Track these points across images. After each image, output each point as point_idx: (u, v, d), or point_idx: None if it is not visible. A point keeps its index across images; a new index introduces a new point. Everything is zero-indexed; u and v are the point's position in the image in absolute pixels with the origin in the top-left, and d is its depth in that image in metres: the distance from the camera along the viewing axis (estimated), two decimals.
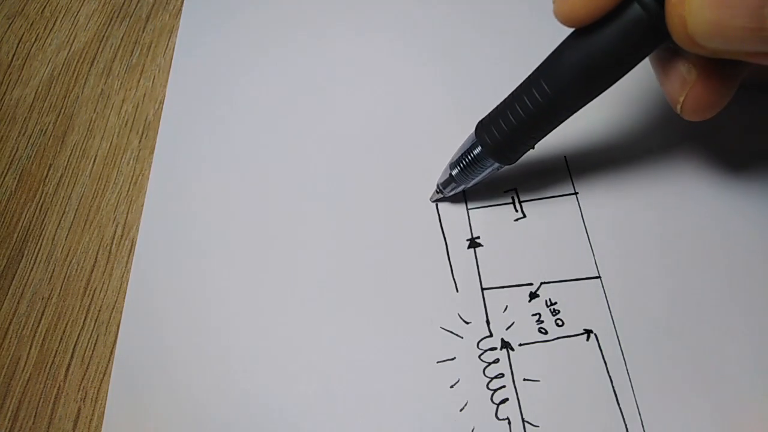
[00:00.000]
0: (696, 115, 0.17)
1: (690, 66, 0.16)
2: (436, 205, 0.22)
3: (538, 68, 0.17)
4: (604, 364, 0.18)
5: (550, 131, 0.18)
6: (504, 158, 0.19)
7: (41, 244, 0.23)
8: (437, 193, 0.21)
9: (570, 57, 0.16)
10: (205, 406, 0.19)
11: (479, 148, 0.19)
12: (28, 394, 0.20)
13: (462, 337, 0.19)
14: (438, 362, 0.19)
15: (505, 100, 0.18)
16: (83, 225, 0.23)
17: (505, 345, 0.19)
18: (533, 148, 0.19)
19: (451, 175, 0.20)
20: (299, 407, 0.19)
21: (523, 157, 0.19)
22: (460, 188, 0.21)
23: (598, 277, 0.20)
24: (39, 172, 0.25)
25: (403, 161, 0.23)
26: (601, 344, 0.19)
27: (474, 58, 0.25)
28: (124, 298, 0.21)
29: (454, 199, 0.22)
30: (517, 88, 0.18)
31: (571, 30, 0.16)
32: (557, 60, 0.16)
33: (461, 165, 0.20)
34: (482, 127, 0.19)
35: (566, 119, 0.17)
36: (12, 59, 0.29)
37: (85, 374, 0.20)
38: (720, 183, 0.21)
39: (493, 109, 0.19)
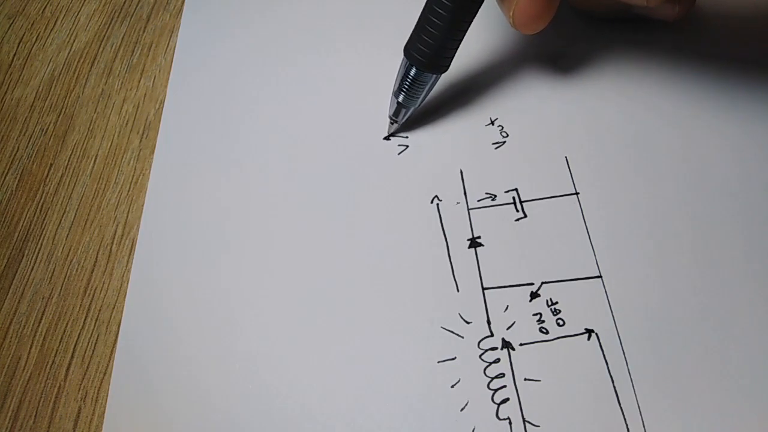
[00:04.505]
0: (526, 26, 0.20)
1: None
2: (437, 205, 0.22)
3: None
4: (605, 363, 0.18)
5: (466, 32, 0.21)
6: (438, 68, 0.21)
7: (42, 244, 0.23)
8: (391, 124, 0.23)
9: None
10: (206, 406, 0.19)
11: (414, 69, 0.21)
12: (29, 394, 0.20)
13: (463, 337, 0.19)
14: (439, 362, 0.19)
15: (417, 23, 0.21)
16: (84, 224, 0.23)
17: (506, 345, 0.19)
18: (456, 51, 0.22)
19: (398, 102, 0.22)
20: (300, 407, 0.19)
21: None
22: (410, 111, 0.23)
23: (600, 276, 0.20)
24: (40, 171, 0.25)
25: (404, 162, 0.23)
26: (602, 344, 0.19)
27: (475, 59, 0.25)
28: (125, 297, 0.21)
29: (454, 199, 0.22)
30: (423, 9, 0.21)
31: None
32: None
33: (404, 89, 0.22)
34: (409, 50, 0.21)
35: (473, 19, 0.20)
36: (13, 59, 0.29)
37: (85, 374, 0.20)
38: (721, 183, 0.21)
39: (411, 34, 0.21)
